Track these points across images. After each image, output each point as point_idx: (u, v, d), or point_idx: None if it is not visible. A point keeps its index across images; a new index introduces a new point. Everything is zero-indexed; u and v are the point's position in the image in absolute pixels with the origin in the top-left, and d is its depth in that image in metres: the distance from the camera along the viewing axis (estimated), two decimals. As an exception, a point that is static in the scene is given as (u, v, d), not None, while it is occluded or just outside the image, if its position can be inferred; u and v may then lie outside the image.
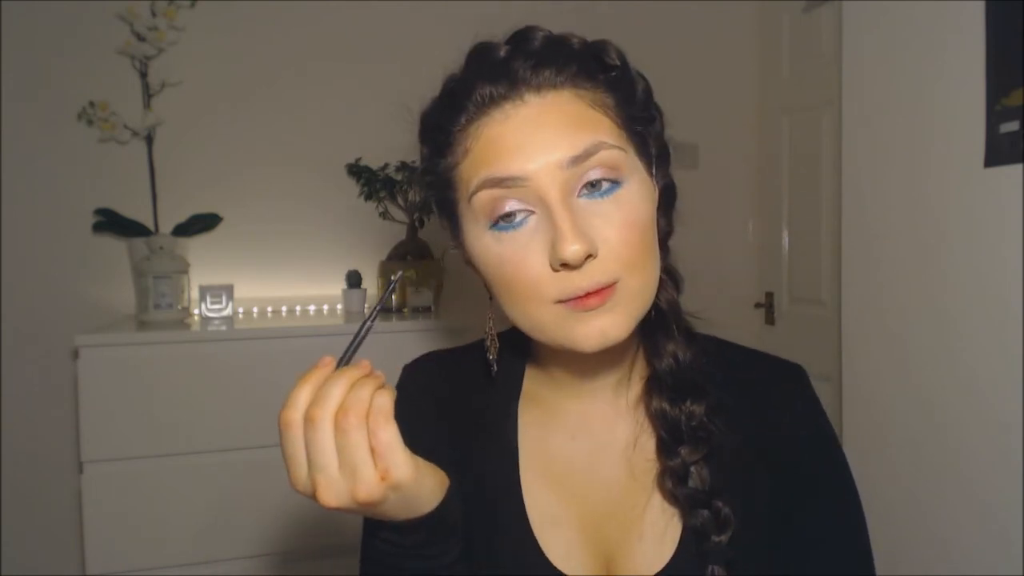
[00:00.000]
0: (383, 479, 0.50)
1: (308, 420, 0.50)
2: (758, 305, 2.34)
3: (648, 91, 0.65)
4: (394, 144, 1.95)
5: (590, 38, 0.63)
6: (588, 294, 0.56)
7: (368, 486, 0.49)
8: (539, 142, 0.57)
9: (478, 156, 0.59)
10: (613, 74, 0.62)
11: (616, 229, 0.57)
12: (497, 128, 0.58)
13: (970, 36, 1.22)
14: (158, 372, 1.49)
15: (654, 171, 0.64)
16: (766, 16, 2.30)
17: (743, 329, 2.33)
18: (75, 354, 1.45)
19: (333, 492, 0.50)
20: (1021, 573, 1.16)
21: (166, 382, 1.49)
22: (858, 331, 1.53)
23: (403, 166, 1.92)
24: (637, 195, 0.59)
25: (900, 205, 1.40)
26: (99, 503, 1.45)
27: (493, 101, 0.58)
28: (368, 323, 0.56)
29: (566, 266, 0.56)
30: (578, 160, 0.56)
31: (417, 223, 1.93)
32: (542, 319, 0.59)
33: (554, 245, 0.55)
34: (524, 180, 0.56)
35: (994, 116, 1.19)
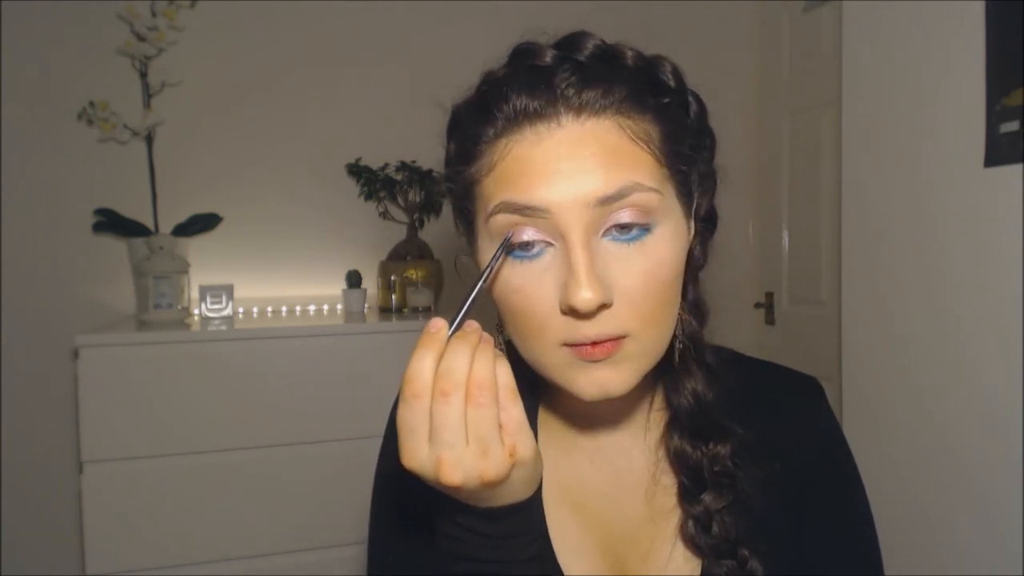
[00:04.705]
0: (510, 456, 0.48)
1: (440, 393, 0.47)
2: (758, 305, 2.34)
3: (702, 115, 0.61)
4: (394, 144, 1.96)
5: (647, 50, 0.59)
6: (594, 344, 0.54)
7: (498, 464, 0.47)
8: (568, 174, 0.52)
9: (502, 175, 0.54)
10: (665, 100, 0.57)
11: (636, 279, 0.54)
12: (527, 150, 0.54)
13: (970, 36, 1.22)
14: (158, 372, 1.49)
15: (695, 206, 0.60)
16: (766, 16, 2.30)
17: (743, 329, 2.33)
18: (75, 354, 1.45)
19: (460, 470, 0.47)
20: (1021, 573, 1.16)
21: (166, 382, 1.49)
22: (858, 331, 1.53)
23: (403, 166, 1.92)
24: (667, 242, 0.55)
25: (900, 205, 1.40)
26: (99, 503, 1.45)
27: (527, 117, 0.54)
28: (480, 284, 0.53)
29: (575, 312, 0.52)
30: (608, 201, 0.52)
31: (417, 223, 1.93)
32: (545, 359, 0.57)
33: (566, 287, 0.52)
34: (546, 212, 0.52)
35: (994, 116, 1.19)
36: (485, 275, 0.54)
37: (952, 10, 1.27)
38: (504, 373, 0.49)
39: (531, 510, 0.54)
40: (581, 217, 0.52)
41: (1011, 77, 1.16)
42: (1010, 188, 1.17)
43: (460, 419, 0.47)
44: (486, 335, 0.50)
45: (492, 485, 0.48)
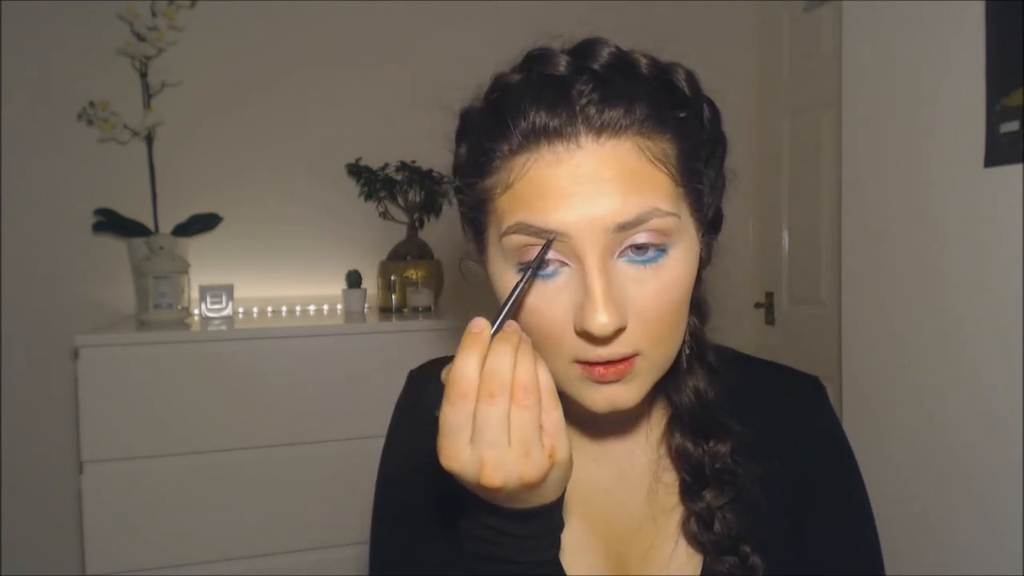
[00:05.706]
0: (549, 457, 0.48)
1: (487, 394, 0.47)
2: (758, 305, 2.34)
3: (715, 122, 0.61)
4: (394, 144, 1.96)
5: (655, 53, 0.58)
6: (606, 365, 0.54)
7: (538, 465, 0.48)
8: (587, 197, 0.51)
9: (518, 195, 0.53)
10: (682, 115, 0.56)
11: (651, 300, 0.54)
12: (545, 171, 0.52)
13: (970, 36, 1.22)
14: (158, 372, 1.49)
15: (706, 212, 0.60)
16: (766, 16, 2.30)
17: (743, 329, 2.33)
18: (75, 354, 1.45)
19: (502, 471, 0.47)
20: (1021, 573, 1.16)
21: (166, 382, 1.49)
22: (858, 331, 1.53)
23: (403, 166, 1.92)
24: (681, 262, 0.55)
25: (900, 205, 1.40)
26: (99, 503, 1.45)
27: (545, 135, 0.52)
28: (521, 285, 0.53)
29: (589, 336, 0.52)
30: (626, 227, 0.52)
31: (417, 223, 1.93)
32: (556, 372, 0.56)
33: (582, 311, 0.52)
34: (563, 235, 0.52)
35: (994, 116, 1.19)
36: (528, 275, 0.53)
37: (952, 10, 1.27)
38: (545, 375, 0.49)
39: (559, 512, 0.54)
40: (598, 241, 0.52)
41: (1011, 77, 1.16)
42: (1010, 188, 1.17)
43: (504, 420, 0.47)
44: (525, 336, 0.51)
45: (531, 487, 0.48)
